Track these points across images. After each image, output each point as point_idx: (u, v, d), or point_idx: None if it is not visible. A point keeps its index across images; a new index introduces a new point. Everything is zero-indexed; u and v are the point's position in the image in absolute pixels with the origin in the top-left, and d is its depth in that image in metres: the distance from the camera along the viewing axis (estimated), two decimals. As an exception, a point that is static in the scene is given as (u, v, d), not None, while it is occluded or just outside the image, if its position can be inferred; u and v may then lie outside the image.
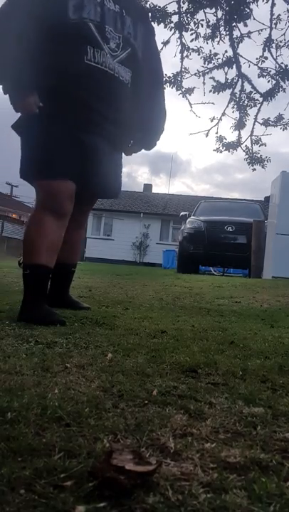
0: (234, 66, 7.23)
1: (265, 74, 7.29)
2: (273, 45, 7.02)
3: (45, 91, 1.98)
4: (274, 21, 6.84)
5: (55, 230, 2.04)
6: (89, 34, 2.01)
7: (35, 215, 2.07)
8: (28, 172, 2.08)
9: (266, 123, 7.40)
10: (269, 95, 7.25)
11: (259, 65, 7.27)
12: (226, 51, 7.28)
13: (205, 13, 6.90)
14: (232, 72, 7.46)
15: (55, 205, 2.02)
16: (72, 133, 2.01)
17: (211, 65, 7.31)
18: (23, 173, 2.09)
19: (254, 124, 7.56)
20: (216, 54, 7.30)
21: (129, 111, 2.19)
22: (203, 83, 7.22)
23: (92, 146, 2.06)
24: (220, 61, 7.27)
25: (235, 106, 7.56)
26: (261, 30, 6.93)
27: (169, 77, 7.19)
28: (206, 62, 7.30)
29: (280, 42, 7.05)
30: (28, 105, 1.97)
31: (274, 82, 7.26)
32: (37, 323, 1.82)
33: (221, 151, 7.71)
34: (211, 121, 7.48)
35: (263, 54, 7.14)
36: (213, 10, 6.79)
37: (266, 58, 7.17)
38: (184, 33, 7.11)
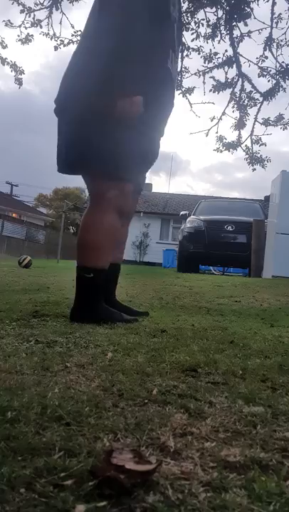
0: (234, 65, 7.23)
1: (265, 73, 7.28)
2: (274, 45, 7.02)
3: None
4: (275, 20, 6.84)
5: (121, 231, 2.09)
6: (172, 36, 2.03)
7: (104, 216, 1.99)
8: (103, 171, 1.98)
9: (266, 123, 7.39)
10: (269, 95, 7.24)
11: (259, 64, 7.27)
12: (226, 50, 7.28)
13: (205, 12, 6.90)
14: (232, 72, 7.46)
15: (126, 207, 2.05)
16: (150, 138, 2.07)
17: (211, 65, 7.31)
18: (92, 168, 2.00)
19: (254, 124, 7.56)
20: (216, 53, 7.30)
21: None
22: (204, 82, 7.22)
23: (156, 151, 2.16)
24: (220, 60, 7.27)
25: (236, 105, 7.55)
26: (261, 29, 6.93)
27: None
28: (206, 62, 7.30)
29: (281, 41, 7.05)
30: (135, 110, 1.90)
31: (274, 81, 7.25)
32: (103, 320, 1.90)
33: (221, 151, 7.71)
34: (211, 120, 7.47)
35: (264, 53, 7.14)
36: (214, 9, 6.79)
37: (266, 58, 7.17)
38: (184, 32, 7.10)
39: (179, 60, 7.26)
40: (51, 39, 7.17)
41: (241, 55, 7.21)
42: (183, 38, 7.12)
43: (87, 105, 1.91)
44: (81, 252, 2.01)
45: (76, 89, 1.97)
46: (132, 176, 2.04)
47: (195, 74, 7.33)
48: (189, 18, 6.87)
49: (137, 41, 1.87)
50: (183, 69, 7.40)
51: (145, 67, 1.93)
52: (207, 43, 7.15)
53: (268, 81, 7.33)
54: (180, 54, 7.25)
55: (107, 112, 1.90)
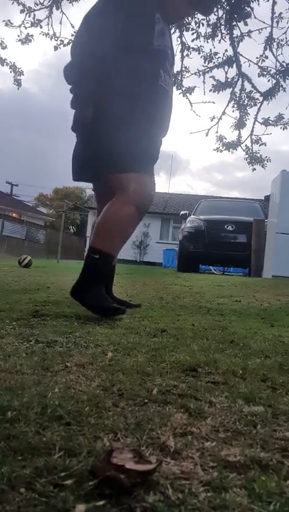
0: (234, 65, 7.23)
1: (265, 73, 7.28)
2: (274, 44, 7.01)
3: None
4: (275, 20, 6.83)
5: (135, 223, 2.26)
6: (164, 61, 2.26)
7: (124, 207, 2.16)
8: (123, 164, 2.16)
9: (266, 122, 7.39)
10: (269, 94, 7.24)
11: (259, 64, 7.27)
12: (226, 50, 7.28)
13: (205, 12, 6.87)
14: (232, 71, 7.47)
15: (145, 199, 2.21)
16: (151, 136, 2.27)
17: (211, 64, 7.30)
18: (110, 165, 2.17)
19: (254, 124, 7.56)
20: (216, 53, 7.29)
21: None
22: (204, 82, 7.22)
23: (158, 150, 2.36)
24: (220, 60, 7.27)
25: (236, 105, 7.55)
26: (262, 29, 6.93)
27: (169, 76, 7.18)
28: (207, 62, 7.30)
29: (281, 41, 7.04)
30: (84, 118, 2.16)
31: (274, 81, 7.25)
32: (95, 309, 2.08)
33: (221, 151, 7.71)
34: (211, 120, 7.47)
35: (264, 53, 7.13)
36: (214, 9, 6.78)
37: (266, 57, 7.17)
38: (184, 32, 7.11)
39: (179, 59, 7.26)
40: (51, 39, 7.16)
41: (241, 55, 7.22)
42: (183, 38, 7.14)
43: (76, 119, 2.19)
44: (95, 235, 2.20)
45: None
46: (146, 167, 2.23)
47: (195, 74, 7.33)
48: (189, 18, 6.86)
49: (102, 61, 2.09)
50: (183, 69, 7.40)
51: (133, 85, 2.15)
52: (207, 42, 7.15)
53: (268, 81, 7.33)
54: (180, 53, 7.25)
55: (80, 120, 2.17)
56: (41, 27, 7.11)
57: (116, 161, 2.15)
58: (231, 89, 7.44)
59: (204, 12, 2.73)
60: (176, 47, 7.29)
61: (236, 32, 6.99)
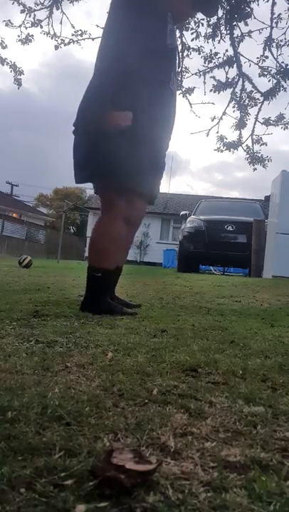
0: (235, 65, 7.22)
1: (265, 73, 7.27)
2: (274, 45, 7.01)
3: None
4: (275, 20, 6.83)
5: (127, 237, 2.37)
6: (174, 61, 2.32)
7: (113, 224, 2.25)
8: (114, 183, 2.21)
9: (267, 122, 7.39)
10: (270, 94, 7.23)
11: (260, 64, 7.26)
12: (226, 50, 7.26)
13: (205, 12, 6.88)
14: (233, 72, 7.45)
15: (133, 216, 2.32)
16: (157, 151, 2.32)
17: (211, 65, 7.29)
18: (109, 179, 2.21)
19: (255, 124, 7.55)
20: (216, 53, 7.28)
21: None
22: (204, 82, 7.21)
23: (163, 162, 2.41)
24: (220, 60, 7.26)
25: (236, 105, 7.54)
26: (262, 29, 6.91)
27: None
28: (207, 62, 7.29)
29: (281, 41, 7.04)
30: (124, 123, 2.12)
31: (275, 81, 7.24)
32: (107, 313, 2.16)
33: (222, 151, 7.70)
34: (212, 120, 7.46)
35: (264, 53, 7.12)
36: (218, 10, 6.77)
37: (267, 57, 7.16)
38: (184, 32, 7.10)
39: (179, 60, 7.26)
40: (52, 38, 7.16)
41: (242, 55, 7.21)
42: (183, 38, 7.14)
43: (90, 121, 2.17)
44: (92, 254, 2.32)
45: (82, 107, 2.23)
46: (140, 187, 2.28)
47: (195, 74, 7.32)
48: (190, 18, 6.86)
49: (134, 63, 2.13)
50: (183, 69, 7.39)
51: (146, 86, 2.17)
52: (207, 42, 7.14)
53: (269, 81, 7.32)
54: (180, 54, 7.25)
55: (98, 124, 2.13)
56: (41, 27, 7.11)
57: (114, 178, 2.19)
58: (232, 89, 7.44)
59: (208, 13, 2.80)
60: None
61: (236, 32, 6.99)
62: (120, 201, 2.25)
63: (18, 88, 7.46)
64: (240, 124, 7.59)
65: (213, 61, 7.28)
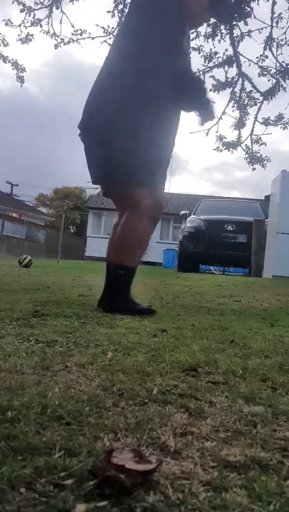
0: (234, 65, 7.23)
1: (265, 73, 7.28)
2: (274, 44, 7.01)
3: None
4: (275, 20, 6.83)
5: (151, 233, 2.43)
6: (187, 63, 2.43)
7: (140, 223, 2.31)
8: (143, 179, 2.28)
9: (266, 122, 7.39)
10: (269, 94, 7.24)
11: (259, 63, 7.27)
12: (226, 50, 7.28)
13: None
14: (232, 71, 7.45)
15: (158, 214, 2.37)
16: (170, 149, 2.43)
17: (211, 64, 7.30)
18: (129, 177, 2.27)
19: (254, 123, 7.56)
20: (216, 53, 7.29)
21: None
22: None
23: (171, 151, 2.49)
24: (220, 60, 7.27)
25: (236, 105, 7.55)
26: (262, 28, 6.93)
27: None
28: (207, 61, 7.30)
29: (281, 41, 7.04)
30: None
31: (274, 81, 7.25)
32: (129, 312, 2.19)
33: (221, 151, 7.71)
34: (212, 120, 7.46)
35: (264, 53, 7.13)
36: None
37: (266, 57, 7.17)
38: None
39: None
40: (51, 37, 7.17)
41: (241, 55, 7.22)
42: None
43: (113, 122, 2.22)
44: (118, 251, 2.36)
45: (101, 109, 2.26)
46: (161, 185, 2.38)
47: (195, 73, 7.32)
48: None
49: (157, 63, 2.20)
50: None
51: (169, 85, 2.26)
52: (207, 42, 7.16)
53: (268, 80, 7.33)
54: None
55: (115, 124, 2.20)
56: (41, 26, 7.12)
57: (136, 175, 2.26)
58: (231, 88, 7.44)
59: (221, 18, 2.92)
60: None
61: (236, 31, 6.99)
62: (148, 200, 2.29)
63: (21, 85, 7.47)
64: (240, 124, 7.60)
65: (213, 60, 7.29)
